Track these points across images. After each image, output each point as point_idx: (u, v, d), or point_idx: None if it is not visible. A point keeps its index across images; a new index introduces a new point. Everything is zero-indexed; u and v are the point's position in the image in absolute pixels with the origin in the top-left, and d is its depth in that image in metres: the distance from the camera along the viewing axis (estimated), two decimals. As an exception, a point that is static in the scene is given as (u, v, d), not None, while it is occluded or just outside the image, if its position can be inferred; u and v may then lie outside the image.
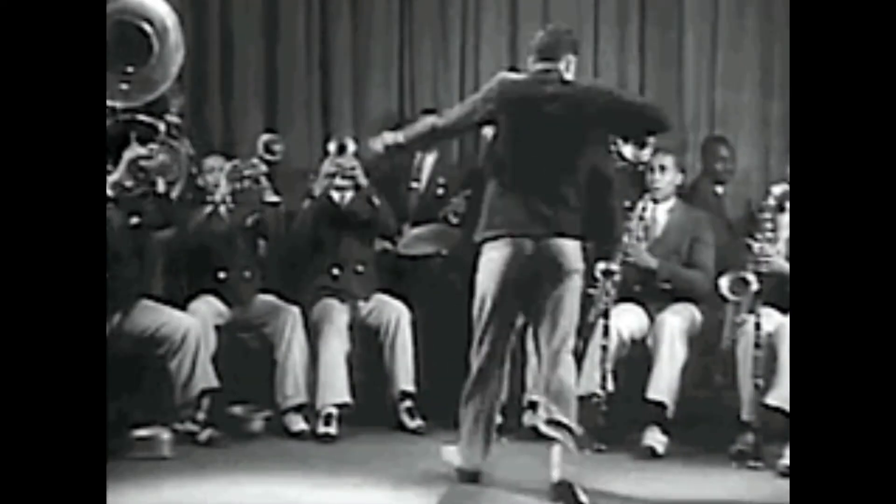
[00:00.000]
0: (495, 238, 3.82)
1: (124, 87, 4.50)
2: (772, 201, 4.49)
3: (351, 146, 5.09)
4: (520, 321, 3.98)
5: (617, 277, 4.63)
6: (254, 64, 5.88)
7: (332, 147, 5.10)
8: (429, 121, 4.06)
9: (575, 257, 3.84)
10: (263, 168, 4.91)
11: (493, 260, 3.82)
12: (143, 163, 4.48)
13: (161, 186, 4.59)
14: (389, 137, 4.02)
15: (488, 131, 4.30)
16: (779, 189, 4.49)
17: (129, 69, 4.51)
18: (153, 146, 4.52)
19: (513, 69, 5.07)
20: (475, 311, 3.88)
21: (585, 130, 3.86)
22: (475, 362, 3.91)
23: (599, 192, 3.93)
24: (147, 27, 4.55)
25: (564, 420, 3.82)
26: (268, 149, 4.95)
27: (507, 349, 3.95)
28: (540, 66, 3.88)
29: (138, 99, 4.63)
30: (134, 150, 4.48)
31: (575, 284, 3.85)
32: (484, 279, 3.85)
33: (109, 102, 4.31)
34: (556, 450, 3.81)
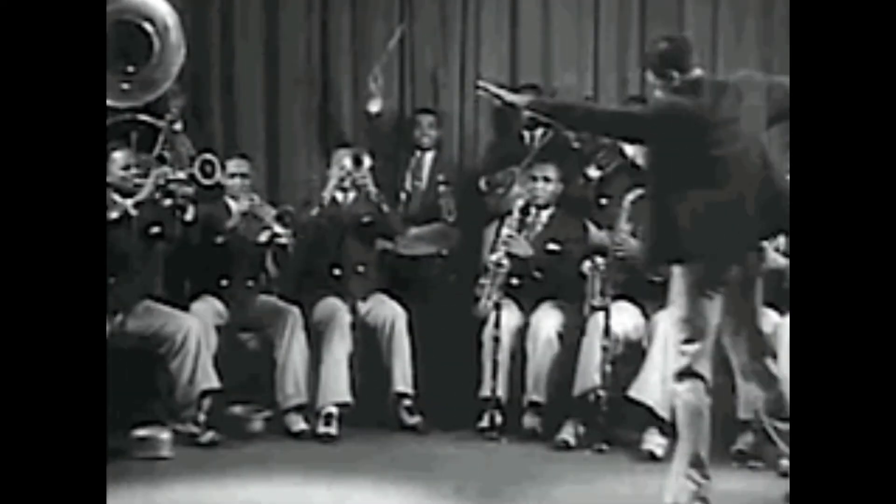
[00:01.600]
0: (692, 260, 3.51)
1: (125, 86, 4.52)
2: None
3: (367, 161, 5.08)
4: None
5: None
6: (254, 64, 5.88)
7: (347, 162, 5.08)
8: (586, 102, 3.58)
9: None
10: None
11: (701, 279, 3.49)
12: (173, 187, 4.49)
13: (189, 215, 4.61)
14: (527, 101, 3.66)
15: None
16: None
17: (130, 69, 4.52)
18: (182, 175, 4.54)
19: (531, 86, 4.99)
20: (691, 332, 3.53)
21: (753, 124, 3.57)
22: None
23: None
24: (148, 27, 4.56)
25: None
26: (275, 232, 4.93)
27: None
28: (685, 77, 3.60)
29: (139, 99, 4.64)
30: (165, 173, 4.49)
31: None
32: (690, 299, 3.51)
33: (110, 102, 4.31)
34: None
